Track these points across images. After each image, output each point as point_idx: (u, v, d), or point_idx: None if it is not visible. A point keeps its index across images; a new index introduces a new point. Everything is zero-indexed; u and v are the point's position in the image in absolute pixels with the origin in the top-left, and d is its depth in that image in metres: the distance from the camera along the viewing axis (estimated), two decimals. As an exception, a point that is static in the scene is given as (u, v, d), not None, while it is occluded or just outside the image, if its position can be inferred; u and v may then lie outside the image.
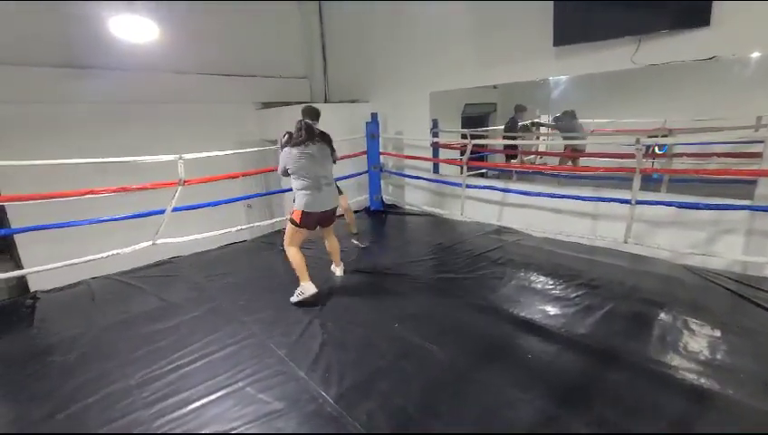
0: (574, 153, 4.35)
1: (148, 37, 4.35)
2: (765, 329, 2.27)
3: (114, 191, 3.32)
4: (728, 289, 2.72)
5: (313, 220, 2.85)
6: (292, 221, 2.83)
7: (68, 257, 3.15)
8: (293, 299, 2.78)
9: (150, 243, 3.47)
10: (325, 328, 2.47)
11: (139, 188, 3.44)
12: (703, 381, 1.86)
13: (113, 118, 4.59)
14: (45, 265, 3.07)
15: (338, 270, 3.26)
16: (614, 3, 3.19)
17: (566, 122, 4.23)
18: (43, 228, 3.31)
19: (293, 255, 2.84)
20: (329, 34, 6.00)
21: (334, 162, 3.00)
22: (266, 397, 1.87)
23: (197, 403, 1.85)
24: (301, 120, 2.79)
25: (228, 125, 5.52)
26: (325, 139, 2.89)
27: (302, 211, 2.79)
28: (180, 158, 3.43)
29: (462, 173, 4.36)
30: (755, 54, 2.85)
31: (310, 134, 2.76)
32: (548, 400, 1.79)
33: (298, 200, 2.80)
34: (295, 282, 2.83)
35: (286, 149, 2.78)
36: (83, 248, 3.27)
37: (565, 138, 4.49)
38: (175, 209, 3.50)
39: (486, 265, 3.32)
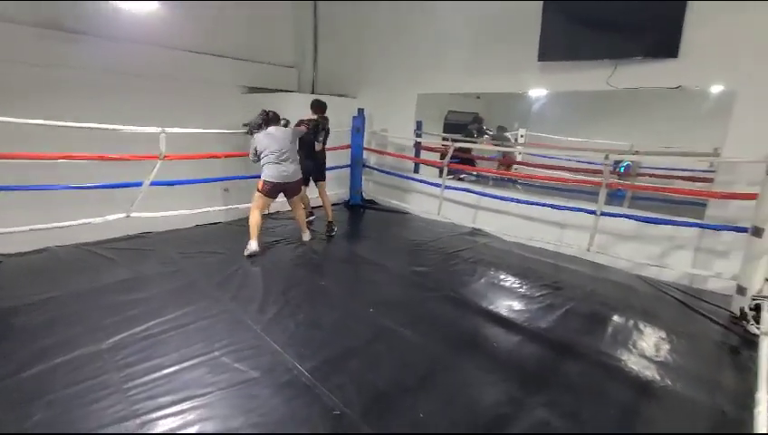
0: (508, 160, 5.47)
1: (138, 8, 4.24)
2: (704, 334, 2.51)
3: (92, 158, 3.24)
4: (675, 298, 2.97)
5: (275, 189, 3.41)
6: (258, 189, 3.42)
7: (37, 224, 3.04)
8: (245, 252, 3.28)
9: (124, 214, 3.40)
10: (301, 309, 2.52)
11: (118, 158, 3.37)
12: (647, 373, 2.05)
13: (98, 86, 4.40)
14: (10, 228, 2.96)
15: (305, 235, 3.74)
16: (596, 27, 3.42)
17: (499, 135, 5.40)
18: (13, 189, 3.18)
19: (253, 217, 3.38)
20: (322, 27, 6.03)
21: (317, 142, 3.82)
22: (242, 366, 1.91)
23: (170, 369, 1.87)
24: (264, 110, 3.47)
25: (212, 105, 5.41)
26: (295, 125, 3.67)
27: (264, 181, 3.36)
28: (163, 131, 3.39)
29: (442, 175, 4.50)
30: (720, 88, 3.13)
31: (272, 120, 3.46)
32: (510, 383, 1.92)
33: (263, 172, 3.38)
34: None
35: (257, 134, 3.42)
36: (54, 216, 3.15)
37: (496, 145, 5.35)
38: (153, 184, 3.44)
39: (458, 263, 3.46)
